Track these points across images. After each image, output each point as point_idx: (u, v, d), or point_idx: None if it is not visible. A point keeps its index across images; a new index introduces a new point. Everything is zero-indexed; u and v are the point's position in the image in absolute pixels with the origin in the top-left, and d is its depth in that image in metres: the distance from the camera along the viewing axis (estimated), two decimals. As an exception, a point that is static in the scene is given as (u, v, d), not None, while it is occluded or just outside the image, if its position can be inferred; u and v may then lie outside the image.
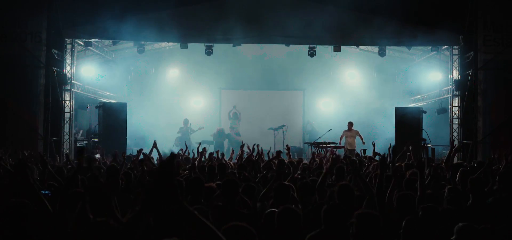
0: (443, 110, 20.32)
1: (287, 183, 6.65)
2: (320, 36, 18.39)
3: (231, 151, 15.42)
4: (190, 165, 9.87)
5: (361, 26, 17.92)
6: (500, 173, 7.03)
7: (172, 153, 2.96)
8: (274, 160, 10.60)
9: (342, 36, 18.45)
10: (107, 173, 7.83)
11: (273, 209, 5.43)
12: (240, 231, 3.52)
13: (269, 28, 18.03)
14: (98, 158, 13.63)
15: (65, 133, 18.32)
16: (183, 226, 3.20)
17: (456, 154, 10.87)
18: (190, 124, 22.83)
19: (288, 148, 13.57)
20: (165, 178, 2.89)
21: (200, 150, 12.38)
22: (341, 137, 20.01)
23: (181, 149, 14.29)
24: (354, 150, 19.03)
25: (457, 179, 7.81)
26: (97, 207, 4.57)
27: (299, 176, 8.72)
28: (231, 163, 12.13)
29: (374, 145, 13.03)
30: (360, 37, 18.53)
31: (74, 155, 15.97)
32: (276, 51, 23.11)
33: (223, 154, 13.72)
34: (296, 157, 17.39)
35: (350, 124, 20.28)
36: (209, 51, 19.56)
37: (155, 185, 2.93)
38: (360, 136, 20.06)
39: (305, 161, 12.71)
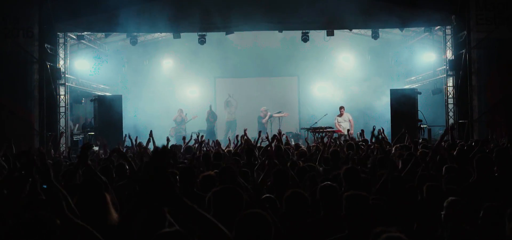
0: (438, 90, 20.35)
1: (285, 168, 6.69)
2: (312, 20, 18.41)
3: (228, 140, 15.41)
4: (190, 155, 9.90)
5: (353, 9, 17.85)
6: (497, 150, 7.04)
7: (163, 146, 2.94)
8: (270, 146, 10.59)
9: (334, 20, 18.39)
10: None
11: (269, 195, 5.45)
12: (256, 219, 3.50)
13: (262, 15, 17.96)
14: (98, 151, 13.59)
15: (61, 128, 18.28)
16: (184, 220, 3.20)
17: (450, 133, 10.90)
18: (186, 113, 22.77)
19: (279, 133, 13.59)
20: (158, 172, 2.88)
21: (194, 138, 12.44)
22: (337, 123, 20.13)
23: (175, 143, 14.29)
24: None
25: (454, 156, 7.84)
26: (91, 201, 4.56)
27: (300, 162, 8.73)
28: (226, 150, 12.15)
29: (374, 129, 12.93)
30: (352, 20, 18.48)
31: (80, 150, 15.89)
32: (270, 38, 23.05)
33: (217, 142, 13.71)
34: (293, 143, 17.44)
35: (342, 109, 20.37)
36: (202, 40, 19.54)
37: (148, 179, 2.91)
38: (350, 120, 20.17)
39: (302, 147, 12.72)
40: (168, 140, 12.24)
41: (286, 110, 23.40)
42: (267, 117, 22.59)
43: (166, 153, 2.92)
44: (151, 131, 12.32)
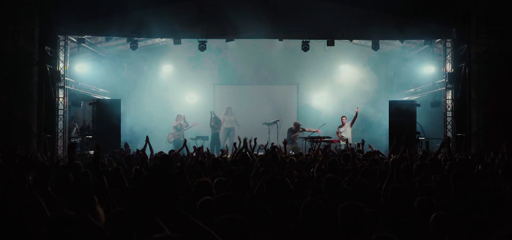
0: (436, 103, 20.37)
1: (281, 177, 6.68)
2: (313, 30, 18.46)
3: (225, 147, 15.41)
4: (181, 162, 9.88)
5: (354, 20, 17.96)
6: (504, 165, 7.05)
7: (166, 156, 2.95)
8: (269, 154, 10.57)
9: (335, 30, 18.47)
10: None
11: (260, 203, 5.45)
12: (234, 223, 3.54)
13: (262, 23, 17.96)
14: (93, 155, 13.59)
15: (59, 130, 18.28)
16: (176, 227, 3.21)
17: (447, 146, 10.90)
18: (185, 119, 22.56)
19: (285, 143, 13.62)
20: (158, 184, 2.89)
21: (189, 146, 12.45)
22: (337, 133, 20.10)
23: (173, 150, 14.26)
24: (350, 144, 19.05)
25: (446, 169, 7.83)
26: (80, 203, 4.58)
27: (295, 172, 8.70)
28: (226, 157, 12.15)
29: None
30: (353, 30, 18.56)
31: (67, 151, 15.90)
32: (270, 46, 23.07)
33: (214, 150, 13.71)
34: (292, 152, 17.43)
35: (343, 118, 20.35)
36: (202, 47, 19.53)
37: (147, 189, 2.92)
38: (352, 122, 20.04)
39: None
40: (147, 139, 12.16)
41: (285, 119, 23.30)
42: (297, 134, 21.85)
43: (170, 161, 2.95)
44: (147, 137, 12.31)
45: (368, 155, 11.93)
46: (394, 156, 10.23)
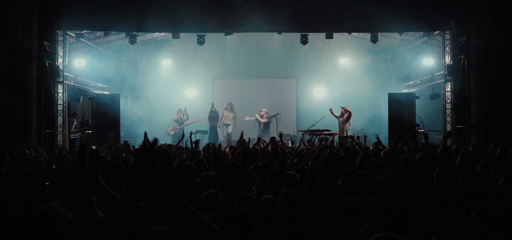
0: (436, 95, 20.37)
1: (284, 170, 6.69)
2: (312, 23, 18.43)
3: (227, 142, 15.40)
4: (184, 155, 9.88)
5: (352, 12, 17.95)
6: (497, 157, 7.03)
7: (155, 139, 2.94)
8: (268, 147, 10.58)
9: (334, 23, 18.43)
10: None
11: (268, 196, 5.44)
12: (239, 216, 3.54)
13: (261, 16, 17.94)
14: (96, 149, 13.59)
15: (58, 125, 18.27)
16: (175, 216, 3.20)
17: (449, 139, 10.91)
18: (186, 112, 22.39)
19: (280, 135, 13.60)
20: (146, 164, 2.87)
21: (194, 140, 12.41)
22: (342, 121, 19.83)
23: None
24: (348, 136, 18.94)
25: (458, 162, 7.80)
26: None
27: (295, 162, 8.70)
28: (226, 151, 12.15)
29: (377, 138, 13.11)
30: (352, 23, 18.53)
31: (78, 152, 15.86)
32: (269, 40, 23.05)
33: (214, 144, 13.67)
34: (290, 145, 17.43)
35: (342, 108, 20.21)
36: (201, 41, 19.49)
37: (135, 171, 2.91)
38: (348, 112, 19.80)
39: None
40: (146, 135, 12.10)
41: (284, 112, 23.28)
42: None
43: (154, 149, 2.92)
44: (145, 132, 12.28)
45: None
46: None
